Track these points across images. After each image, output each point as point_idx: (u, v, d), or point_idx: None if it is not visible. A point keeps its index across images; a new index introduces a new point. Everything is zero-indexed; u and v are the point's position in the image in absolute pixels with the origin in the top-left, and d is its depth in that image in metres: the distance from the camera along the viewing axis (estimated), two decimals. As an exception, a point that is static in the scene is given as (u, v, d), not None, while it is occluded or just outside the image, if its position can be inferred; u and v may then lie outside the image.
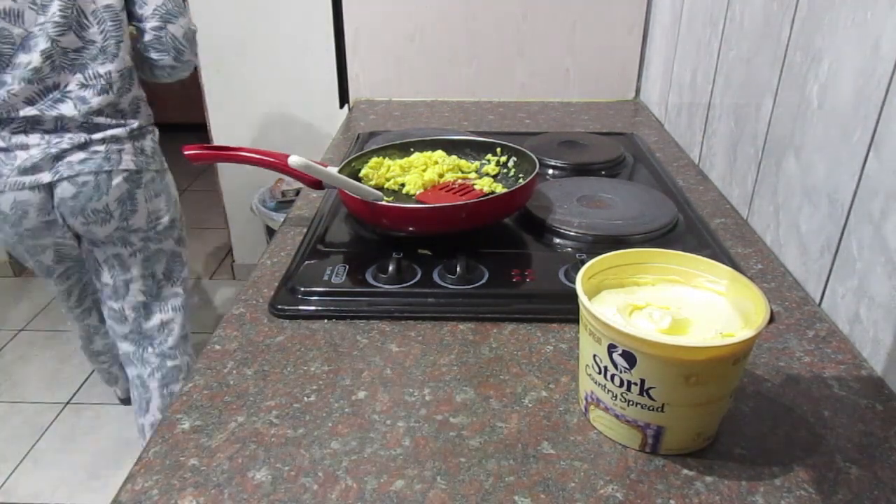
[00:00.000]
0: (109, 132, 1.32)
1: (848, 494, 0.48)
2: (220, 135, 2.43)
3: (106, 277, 1.48)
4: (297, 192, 1.73)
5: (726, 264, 0.56)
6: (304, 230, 0.86)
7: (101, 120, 1.31)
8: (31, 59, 1.22)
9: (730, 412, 0.55)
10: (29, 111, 1.26)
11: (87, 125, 1.30)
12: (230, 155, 0.84)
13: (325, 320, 0.68)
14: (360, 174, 0.91)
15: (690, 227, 0.85)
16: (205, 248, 2.93)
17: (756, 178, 0.86)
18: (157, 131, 1.45)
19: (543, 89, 1.49)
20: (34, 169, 1.28)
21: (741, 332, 0.48)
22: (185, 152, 0.82)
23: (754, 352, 0.63)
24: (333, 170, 0.82)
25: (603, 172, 1.04)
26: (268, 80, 2.34)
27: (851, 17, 0.65)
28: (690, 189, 0.99)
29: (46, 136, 1.28)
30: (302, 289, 0.71)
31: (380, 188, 0.88)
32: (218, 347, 0.65)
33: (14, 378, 2.17)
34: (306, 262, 0.76)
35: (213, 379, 0.60)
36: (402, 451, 0.52)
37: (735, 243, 0.83)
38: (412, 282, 0.71)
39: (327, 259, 0.77)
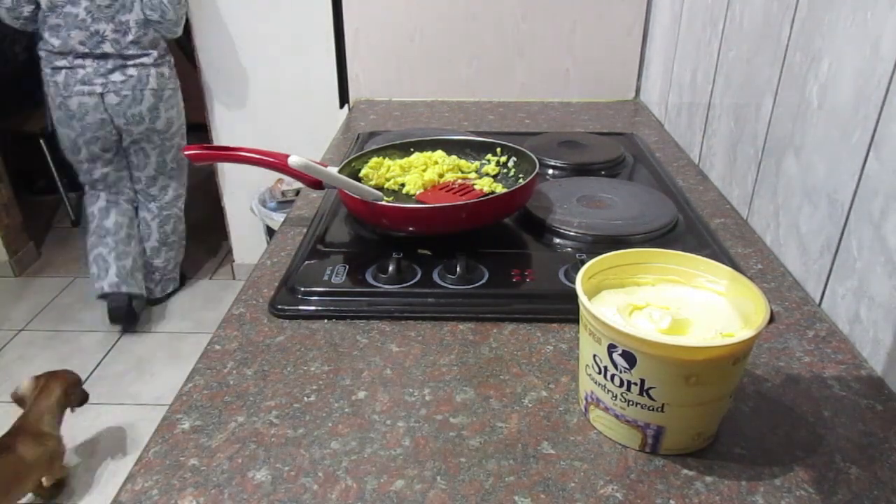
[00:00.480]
0: (138, 60, 2.08)
1: (848, 494, 0.48)
2: (220, 135, 2.43)
3: (134, 159, 2.29)
4: (297, 192, 1.73)
5: (726, 264, 0.56)
6: (304, 230, 0.86)
7: (131, 51, 2.06)
8: (77, 11, 1.98)
9: (730, 412, 0.55)
10: (82, 49, 2.02)
11: (123, 55, 2.06)
12: (230, 155, 0.84)
13: (325, 320, 0.68)
14: (360, 174, 0.91)
15: (690, 227, 0.85)
16: (205, 248, 2.93)
17: (756, 178, 0.86)
18: (172, 59, 2.19)
19: (543, 89, 1.49)
20: (90, 82, 2.06)
21: (741, 332, 0.48)
22: (185, 152, 0.82)
23: (754, 352, 0.63)
24: (333, 170, 0.82)
25: (603, 172, 1.04)
26: (268, 80, 2.34)
27: (851, 18, 0.65)
28: (690, 189, 0.99)
29: (96, 61, 2.05)
30: (302, 289, 0.71)
31: (380, 188, 0.88)
32: (218, 347, 0.65)
33: (14, 378, 2.16)
34: (306, 262, 0.76)
35: (213, 379, 0.60)
36: (402, 451, 0.52)
37: (735, 243, 0.83)
38: (412, 282, 0.71)
39: (327, 259, 0.77)
